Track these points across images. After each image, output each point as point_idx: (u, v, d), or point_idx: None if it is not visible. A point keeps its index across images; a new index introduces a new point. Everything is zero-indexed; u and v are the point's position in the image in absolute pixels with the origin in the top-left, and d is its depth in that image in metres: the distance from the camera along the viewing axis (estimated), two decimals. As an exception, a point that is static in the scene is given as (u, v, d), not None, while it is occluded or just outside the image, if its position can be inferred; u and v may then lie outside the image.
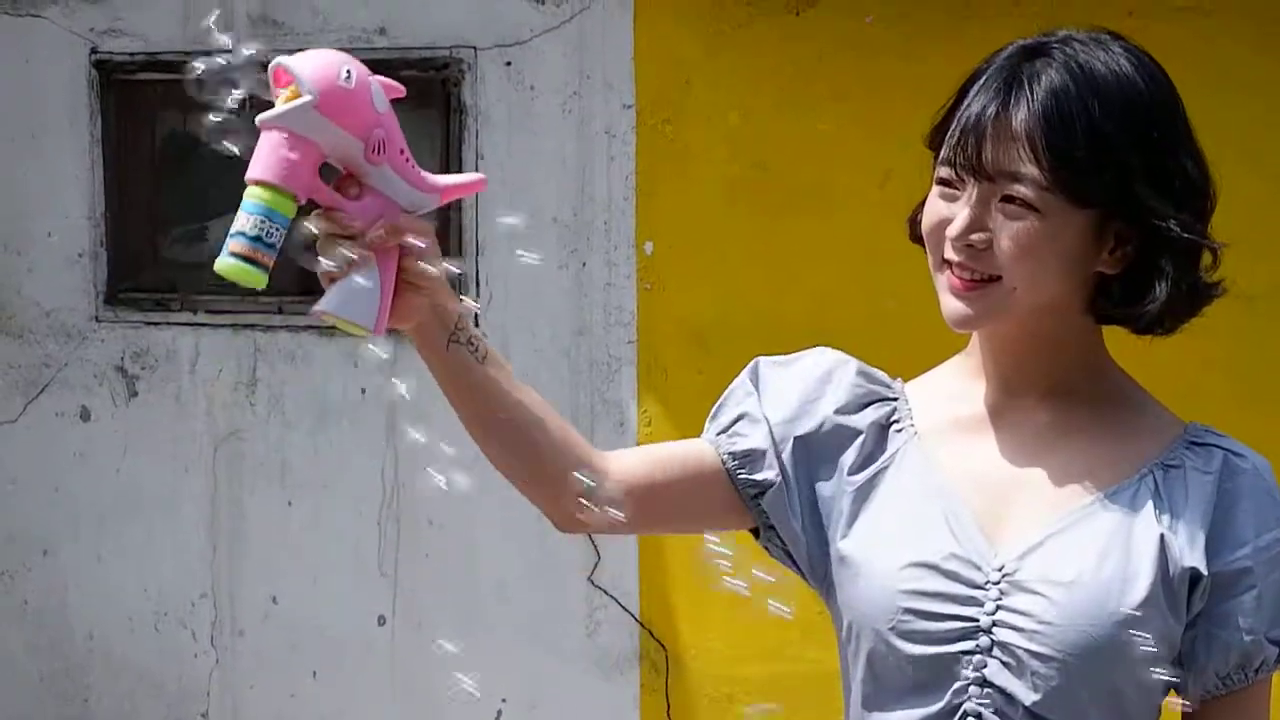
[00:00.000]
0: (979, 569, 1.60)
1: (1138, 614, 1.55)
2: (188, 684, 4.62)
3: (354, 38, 4.27)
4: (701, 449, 1.74)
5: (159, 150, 4.60)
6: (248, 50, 1.51)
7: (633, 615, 4.25)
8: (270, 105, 1.49)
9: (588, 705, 4.30)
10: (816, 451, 1.70)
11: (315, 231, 1.52)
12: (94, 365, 4.61)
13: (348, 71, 1.49)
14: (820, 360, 1.75)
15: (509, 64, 4.22)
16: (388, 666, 4.45)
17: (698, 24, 4.04)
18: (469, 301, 1.64)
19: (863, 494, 1.69)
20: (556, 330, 4.23)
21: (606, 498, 1.69)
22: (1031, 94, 1.55)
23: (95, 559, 4.66)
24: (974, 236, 1.57)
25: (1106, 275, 1.60)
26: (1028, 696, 1.57)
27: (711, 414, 1.77)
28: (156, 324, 4.55)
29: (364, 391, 4.40)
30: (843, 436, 1.70)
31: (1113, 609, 1.55)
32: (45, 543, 4.71)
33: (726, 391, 1.77)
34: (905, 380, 1.76)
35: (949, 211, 1.60)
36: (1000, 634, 1.58)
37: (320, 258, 1.53)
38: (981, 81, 1.59)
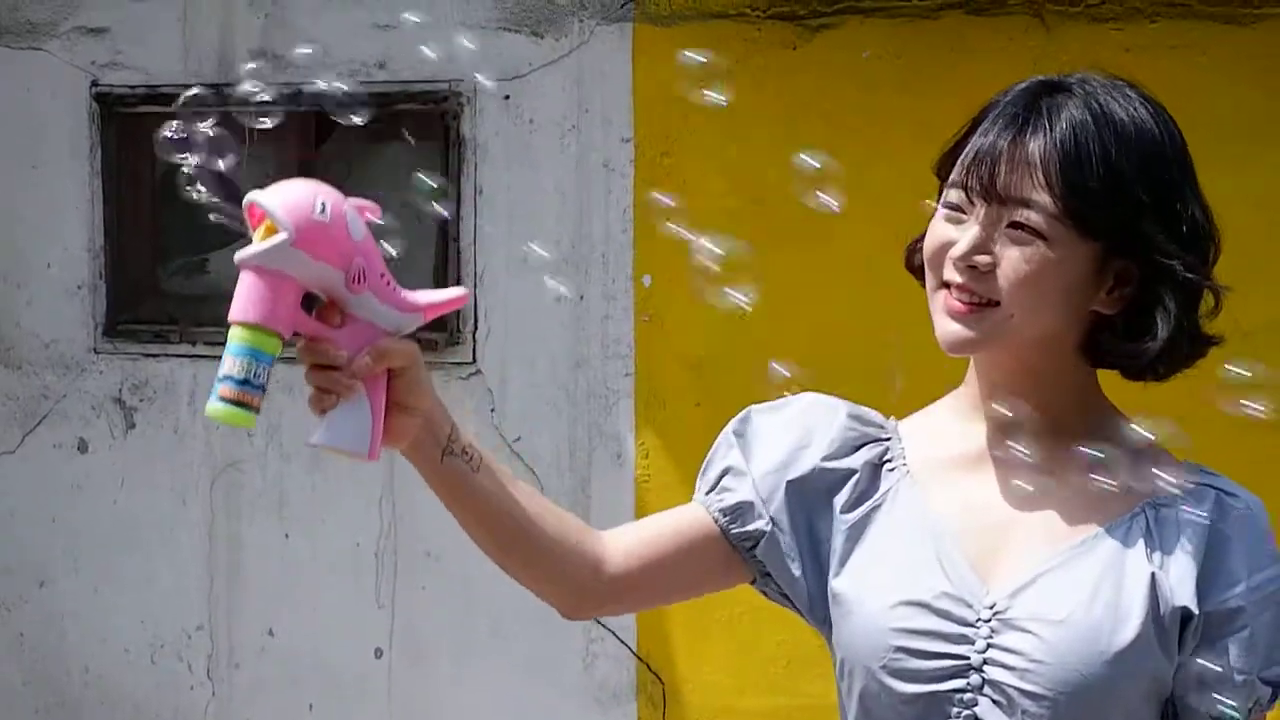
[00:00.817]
0: (970, 607, 1.60)
1: (1128, 653, 1.55)
2: (184, 716, 4.61)
3: (354, 71, 4.29)
4: (693, 514, 1.74)
5: (159, 183, 4.61)
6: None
7: (630, 648, 4.24)
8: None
9: (585, 739, 4.29)
10: (810, 494, 1.71)
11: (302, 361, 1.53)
12: (92, 397, 4.62)
13: (322, 204, 1.48)
14: (811, 406, 1.75)
15: (508, 97, 4.23)
16: (385, 699, 4.44)
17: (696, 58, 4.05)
18: (464, 431, 1.64)
19: (855, 532, 1.69)
20: (555, 362, 4.24)
21: (609, 595, 1.72)
22: (1050, 124, 1.57)
23: (92, 590, 4.66)
24: (978, 258, 1.58)
25: (1103, 315, 1.60)
26: (1018, 734, 1.57)
27: (700, 472, 1.78)
28: (155, 356, 4.56)
29: (362, 423, 4.39)
30: (836, 477, 1.71)
31: (1103, 648, 1.55)
32: (42, 574, 4.70)
33: (712, 448, 1.78)
34: (899, 418, 1.76)
35: (954, 234, 1.60)
36: (991, 672, 1.58)
37: (309, 384, 1.53)
38: (999, 111, 1.61)
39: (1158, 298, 1.58)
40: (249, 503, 4.52)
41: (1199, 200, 1.61)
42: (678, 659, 4.22)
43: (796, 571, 1.70)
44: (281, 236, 1.46)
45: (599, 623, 4.24)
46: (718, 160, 4.09)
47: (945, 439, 1.70)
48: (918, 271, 1.68)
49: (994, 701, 1.57)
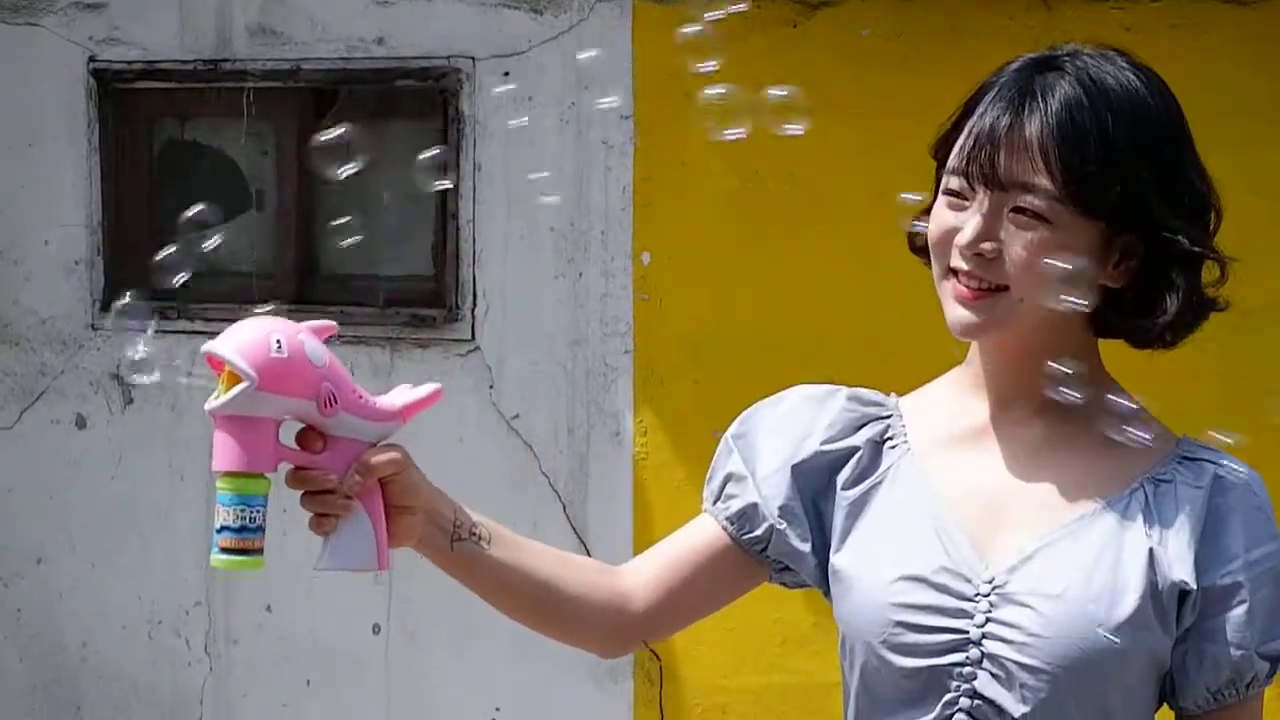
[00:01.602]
0: (969, 581, 1.60)
1: (1126, 627, 1.55)
2: (181, 693, 4.61)
3: (352, 47, 4.27)
4: (705, 527, 1.76)
5: (156, 159, 4.60)
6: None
7: (627, 626, 4.25)
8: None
9: (582, 716, 4.29)
10: (814, 475, 1.72)
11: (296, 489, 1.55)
12: (90, 373, 4.61)
13: (278, 341, 1.50)
14: (806, 399, 1.76)
15: (507, 74, 4.22)
16: (382, 675, 4.44)
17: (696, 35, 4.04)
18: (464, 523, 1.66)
19: (856, 509, 1.69)
20: (553, 341, 4.23)
21: (641, 630, 1.76)
22: (1045, 106, 1.57)
23: (89, 567, 4.66)
24: (984, 245, 1.58)
25: (1110, 289, 1.60)
26: (1017, 709, 1.57)
27: (705, 481, 1.79)
28: (155, 332, 4.55)
29: (360, 401, 4.39)
30: (838, 456, 1.71)
31: (1101, 622, 1.55)
32: (39, 551, 4.70)
33: (714, 456, 1.79)
34: (901, 394, 1.76)
35: (957, 220, 1.60)
36: (990, 646, 1.58)
37: (306, 508, 1.57)
38: (994, 93, 1.60)
39: (1164, 270, 1.58)
40: (247, 479, 4.50)
41: (1198, 169, 1.61)
42: (675, 637, 4.22)
43: (807, 550, 1.71)
44: (244, 385, 1.49)
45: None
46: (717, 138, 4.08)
47: (947, 415, 1.70)
48: (920, 252, 1.68)
49: (993, 675, 1.58)
